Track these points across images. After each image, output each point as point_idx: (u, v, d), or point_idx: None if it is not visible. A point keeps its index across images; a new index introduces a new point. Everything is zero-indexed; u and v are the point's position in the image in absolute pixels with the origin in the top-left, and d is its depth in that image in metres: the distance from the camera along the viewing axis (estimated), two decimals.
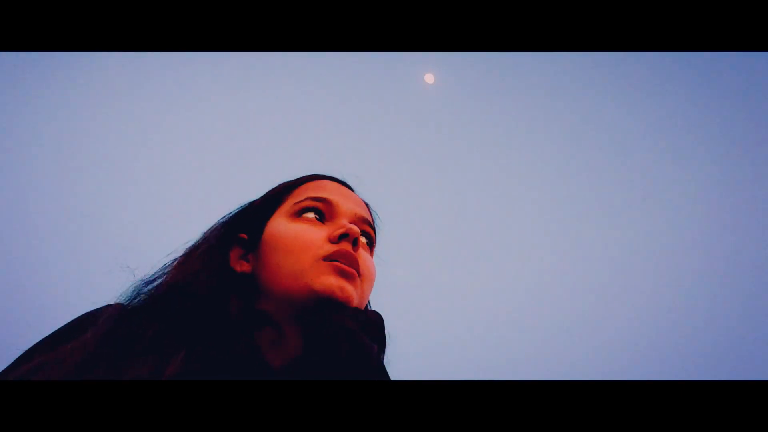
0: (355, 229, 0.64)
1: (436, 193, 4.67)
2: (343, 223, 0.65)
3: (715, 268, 4.27)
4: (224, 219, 0.72)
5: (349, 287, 0.60)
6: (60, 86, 3.78)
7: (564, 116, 4.51)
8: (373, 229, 0.72)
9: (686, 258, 4.33)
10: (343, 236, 0.63)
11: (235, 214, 0.72)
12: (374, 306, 0.77)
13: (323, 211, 0.68)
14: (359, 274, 0.63)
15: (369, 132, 4.57)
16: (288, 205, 0.69)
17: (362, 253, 0.66)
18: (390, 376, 0.59)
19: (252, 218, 0.70)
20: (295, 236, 0.64)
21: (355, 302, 0.61)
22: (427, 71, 4.45)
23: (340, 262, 0.61)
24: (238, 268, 0.66)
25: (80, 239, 3.60)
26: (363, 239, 0.70)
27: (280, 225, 0.66)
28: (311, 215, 0.67)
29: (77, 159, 3.82)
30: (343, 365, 0.53)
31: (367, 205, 0.78)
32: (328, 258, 0.61)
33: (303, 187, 0.72)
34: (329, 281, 0.60)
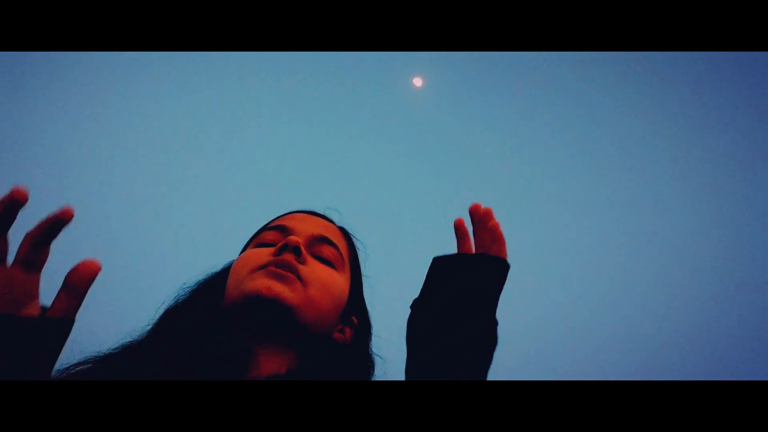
0: (294, 238, 0.65)
1: (426, 196, 4.68)
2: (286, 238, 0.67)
3: (716, 267, 4.27)
4: (212, 272, 0.75)
5: (278, 287, 0.61)
6: (57, 87, 3.78)
7: (554, 118, 4.52)
8: (337, 249, 0.71)
9: (685, 258, 4.33)
10: (283, 248, 0.65)
11: (223, 268, 0.76)
12: (371, 311, 0.78)
13: (279, 236, 0.70)
14: (301, 280, 0.63)
15: (357, 134, 4.58)
16: (253, 242, 0.74)
17: (312, 264, 0.67)
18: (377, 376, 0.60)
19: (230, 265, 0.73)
20: (243, 258, 0.68)
21: (294, 302, 0.61)
22: (415, 75, 4.46)
23: (272, 266, 0.62)
24: (222, 304, 0.68)
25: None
26: (316, 254, 0.69)
27: (240, 255, 0.70)
28: (267, 242, 0.70)
29: (75, 159, 3.83)
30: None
31: (344, 230, 0.79)
32: (263, 266, 0.63)
33: (271, 223, 0.76)
34: (257, 282, 0.61)
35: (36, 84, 3.71)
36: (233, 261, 0.75)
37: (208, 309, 0.66)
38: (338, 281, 0.69)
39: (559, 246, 4.53)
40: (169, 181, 4.14)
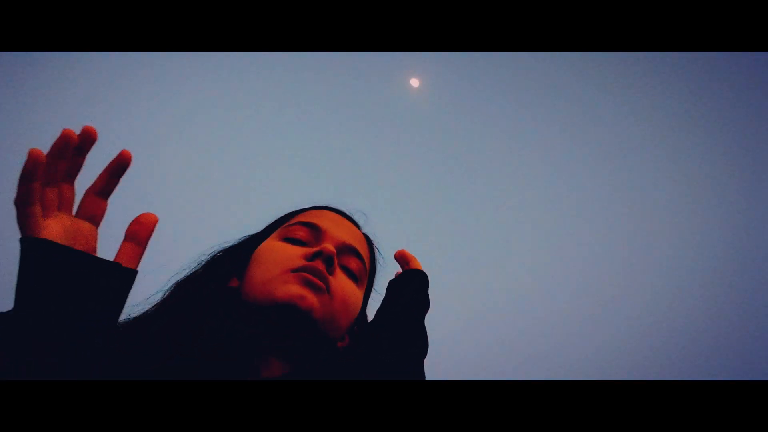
0: (330, 248, 0.64)
1: (423, 197, 4.67)
2: (322, 244, 0.65)
3: (715, 267, 4.27)
4: (226, 245, 0.73)
5: (311, 298, 0.60)
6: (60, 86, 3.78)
7: (553, 118, 4.51)
8: (363, 262, 0.71)
9: (685, 258, 4.33)
10: (317, 254, 0.63)
11: (237, 242, 0.74)
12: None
13: (311, 236, 0.68)
14: (329, 291, 0.62)
15: (354, 135, 4.58)
16: (281, 229, 0.71)
17: (339, 276, 0.66)
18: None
19: (249, 243, 0.72)
20: (273, 250, 0.65)
21: (319, 315, 0.60)
22: (412, 76, 4.46)
23: (307, 273, 0.61)
24: (230, 284, 0.67)
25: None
26: (343, 265, 0.68)
27: (267, 243, 0.68)
28: (298, 238, 0.68)
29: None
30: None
31: (368, 239, 0.78)
32: (296, 270, 0.62)
33: (301, 215, 0.73)
34: (291, 289, 0.59)
35: (36, 84, 3.71)
36: (251, 237, 0.73)
37: (222, 290, 0.65)
38: (358, 297, 0.69)
39: (559, 245, 4.53)
40: (167, 181, 4.15)
